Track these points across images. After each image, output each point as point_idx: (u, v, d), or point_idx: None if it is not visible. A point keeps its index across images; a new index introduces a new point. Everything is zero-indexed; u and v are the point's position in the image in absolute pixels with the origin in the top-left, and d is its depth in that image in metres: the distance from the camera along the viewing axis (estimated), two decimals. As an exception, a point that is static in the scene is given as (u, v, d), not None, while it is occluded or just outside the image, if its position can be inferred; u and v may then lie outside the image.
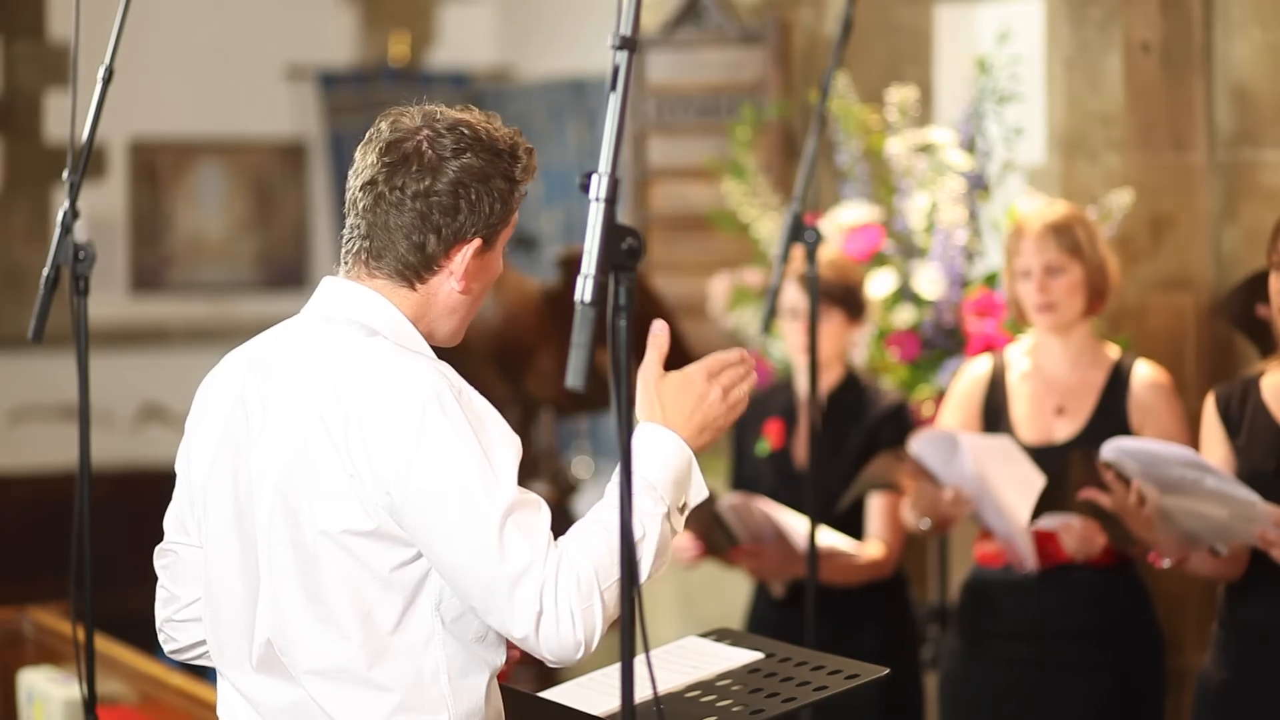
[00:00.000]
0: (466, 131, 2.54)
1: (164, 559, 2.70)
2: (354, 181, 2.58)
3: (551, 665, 2.42)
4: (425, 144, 2.53)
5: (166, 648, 2.74)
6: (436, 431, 2.40)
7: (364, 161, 2.57)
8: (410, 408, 2.41)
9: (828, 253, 4.44)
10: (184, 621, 2.69)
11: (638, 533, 2.42)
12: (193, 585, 2.67)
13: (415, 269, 2.55)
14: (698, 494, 2.54)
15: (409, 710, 2.47)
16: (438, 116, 2.56)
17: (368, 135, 2.59)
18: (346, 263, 2.59)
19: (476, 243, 2.54)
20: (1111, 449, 3.60)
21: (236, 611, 2.56)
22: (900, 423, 4.40)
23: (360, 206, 2.55)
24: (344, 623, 2.46)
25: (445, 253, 2.54)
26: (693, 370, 2.56)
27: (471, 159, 2.53)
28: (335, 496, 2.44)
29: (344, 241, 2.61)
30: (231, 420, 2.56)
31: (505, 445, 2.44)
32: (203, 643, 2.67)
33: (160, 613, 2.72)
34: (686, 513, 2.53)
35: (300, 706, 2.50)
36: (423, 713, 2.48)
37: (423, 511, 2.41)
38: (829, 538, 4.19)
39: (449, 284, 2.56)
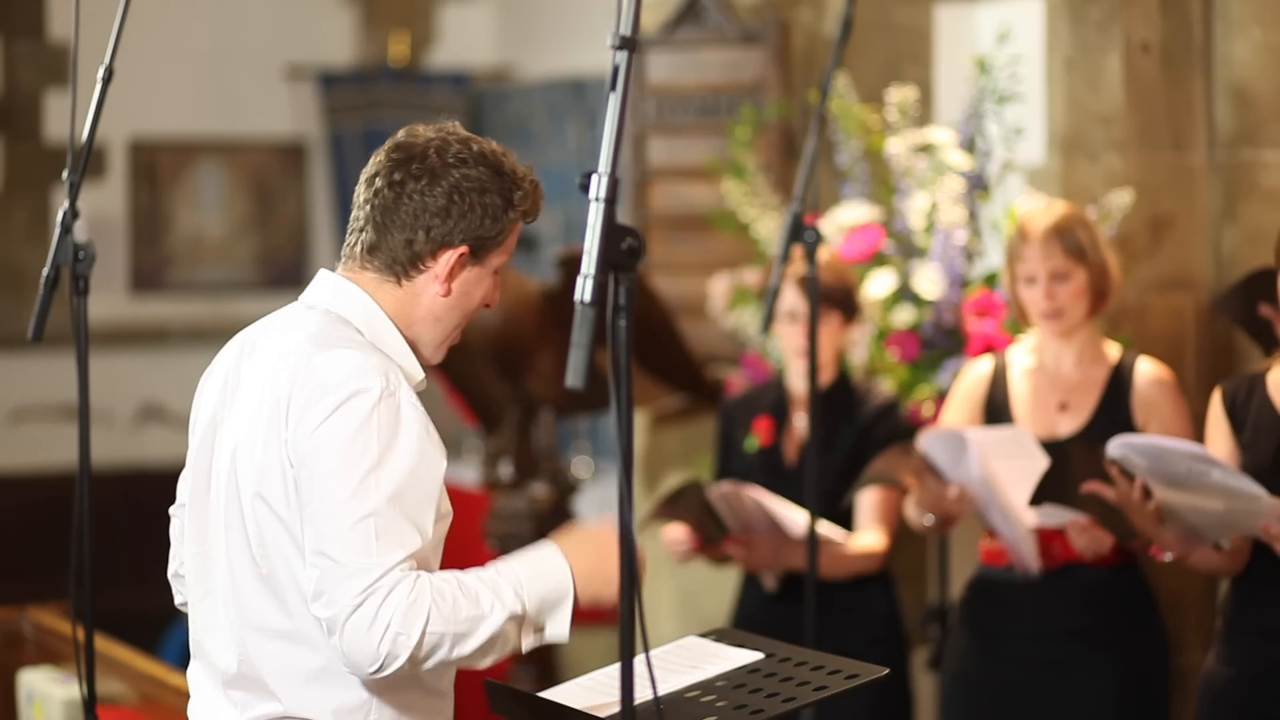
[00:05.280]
0: (474, 147, 2.68)
1: (174, 519, 2.87)
2: (361, 179, 2.71)
3: (346, 668, 2.53)
4: (431, 149, 2.66)
5: (176, 601, 2.89)
6: (343, 421, 2.53)
7: (373, 160, 2.70)
8: (334, 393, 2.55)
9: (823, 255, 4.44)
10: (185, 578, 2.83)
11: (483, 607, 2.52)
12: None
13: (403, 265, 2.66)
14: (557, 630, 2.61)
15: (333, 671, 2.59)
16: (452, 130, 2.70)
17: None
18: (342, 256, 2.72)
19: (463, 249, 2.65)
20: (1117, 446, 3.60)
21: (195, 576, 2.73)
22: (892, 420, 4.42)
23: (360, 199, 2.69)
24: (281, 585, 2.60)
25: (432, 253, 2.66)
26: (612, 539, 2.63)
27: (471, 170, 2.65)
28: (270, 467, 2.59)
29: (347, 235, 2.74)
30: (220, 397, 2.72)
31: (403, 462, 2.54)
32: None
33: (170, 567, 2.88)
34: (537, 639, 2.61)
35: (246, 663, 2.64)
36: (344, 675, 2.58)
37: (309, 489, 2.54)
38: (820, 528, 4.20)
39: (433, 286, 2.67)
